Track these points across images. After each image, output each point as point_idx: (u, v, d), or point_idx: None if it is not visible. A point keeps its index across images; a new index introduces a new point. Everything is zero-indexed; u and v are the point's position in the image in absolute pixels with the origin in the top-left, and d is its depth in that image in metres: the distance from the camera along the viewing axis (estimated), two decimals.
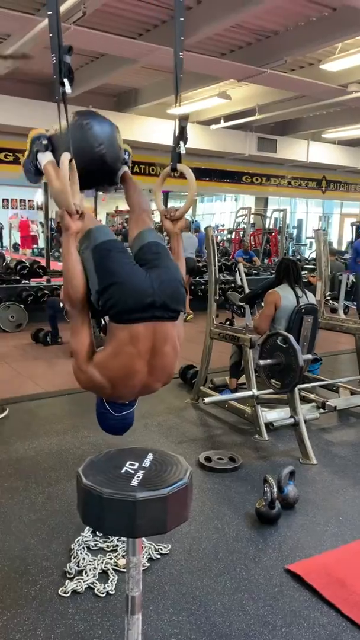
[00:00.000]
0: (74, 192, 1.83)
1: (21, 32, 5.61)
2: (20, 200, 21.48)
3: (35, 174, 2.25)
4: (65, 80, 1.81)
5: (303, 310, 4.01)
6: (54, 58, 1.80)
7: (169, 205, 12.36)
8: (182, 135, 2.14)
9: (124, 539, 2.44)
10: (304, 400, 4.27)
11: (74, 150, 1.86)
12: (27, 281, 8.24)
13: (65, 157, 1.81)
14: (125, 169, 2.35)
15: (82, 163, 1.94)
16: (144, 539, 2.57)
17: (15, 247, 17.67)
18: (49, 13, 1.82)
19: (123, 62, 7.06)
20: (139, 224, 2.14)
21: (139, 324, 1.73)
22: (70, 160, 1.85)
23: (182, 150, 2.15)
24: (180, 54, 2.10)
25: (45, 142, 2.14)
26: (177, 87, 2.13)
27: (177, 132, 2.14)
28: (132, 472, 1.35)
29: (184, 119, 2.16)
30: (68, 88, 1.82)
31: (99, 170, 2.17)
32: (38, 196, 19.89)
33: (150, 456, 1.42)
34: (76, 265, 1.81)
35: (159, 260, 1.88)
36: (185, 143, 2.16)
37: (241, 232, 13.96)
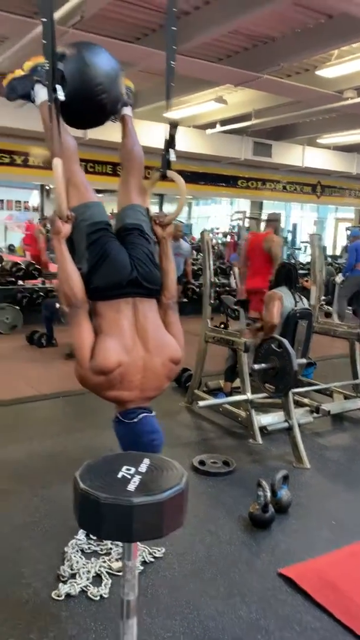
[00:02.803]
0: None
1: (18, 35, 5.61)
2: (16, 201, 21.46)
3: (19, 95, 2.15)
4: (58, 87, 1.87)
5: (298, 315, 4.03)
6: (47, 65, 1.84)
7: (164, 207, 12.33)
8: (171, 143, 2.17)
9: (118, 542, 2.45)
10: (298, 404, 4.29)
11: (70, 91, 1.91)
12: (22, 283, 8.23)
13: (58, 162, 1.85)
14: (126, 111, 2.25)
15: (77, 107, 1.98)
16: (138, 542, 2.57)
17: (11, 249, 17.63)
18: (43, 20, 1.84)
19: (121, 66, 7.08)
20: (125, 194, 2.16)
21: (120, 299, 1.91)
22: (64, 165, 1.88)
23: (172, 157, 2.19)
24: (172, 63, 2.13)
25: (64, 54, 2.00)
26: (168, 93, 2.16)
27: (167, 139, 2.17)
28: (129, 476, 1.36)
29: (173, 127, 2.17)
30: (61, 95, 1.88)
31: (96, 117, 2.12)
32: (33, 198, 19.86)
33: (146, 461, 1.43)
34: (70, 266, 1.88)
35: (136, 241, 2.01)
36: (174, 150, 2.19)
37: (236, 236, 13.99)
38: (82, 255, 1.94)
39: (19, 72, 2.10)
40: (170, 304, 2.11)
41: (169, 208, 15.65)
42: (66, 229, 1.90)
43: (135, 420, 1.94)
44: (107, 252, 1.92)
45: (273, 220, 6.20)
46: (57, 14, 4.69)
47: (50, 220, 1.90)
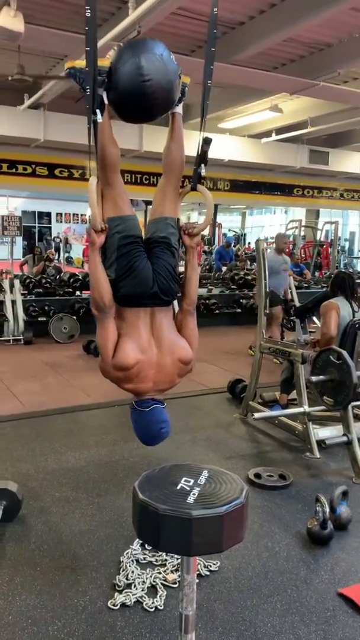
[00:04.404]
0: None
1: (77, 53, 5.79)
2: (73, 214, 22.09)
3: (76, 82, 2.14)
4: (98, 111, 1.95)
5: (357, 325, 3.92)
6: (88, 90, 1.93)
7: (218, 217, 12.29)
8: (204, 158, 2.23)
9: (174, 554, 2.44)
10: (358, 418, 4.15)
11: (122, 98, 1.98)
12: (79, 293, 8.42)
13: (94, 180, 1.96)
14: (177, 109, 2.22)
15: (126, 110, 2.05)
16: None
17: (68, 260, 18.12)
18: (87, 49, 1.89)
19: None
20: (161, 202, 2.22)
21: (140, 308, 2.09)
22: (98, 182, 2.00)
23: (203, 172, 2.25)
24: (209, 82, 2.16)
25: (106, 80, 2.00)
26: (203, 112, 2.18)
27: (199, 154, 2.20)
28: (188, 488, 1.34)
29: (207, 143, 2.20)
30: (99, 117, 1.97)
31: (143, 120, 2.17)
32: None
33: (205, 473, 1.42)
34: (101, 276, 2.03)
35: (160, 255, 2.13)
36: (205, 165, 2.25)
37: (291, 245, 13.83)
38: (111, 264, 2.07)
39: (79, 63, 2.09)
40: (189, 309, 2.24)
41: (222, 218, 15.64)
42: (100, 239, 2.02)
43: (147, 410, 2.11)
44: (134, 267, 2.05)
45: None
46: (115, 30, 4.82)
47: (87, 232, 2.01)
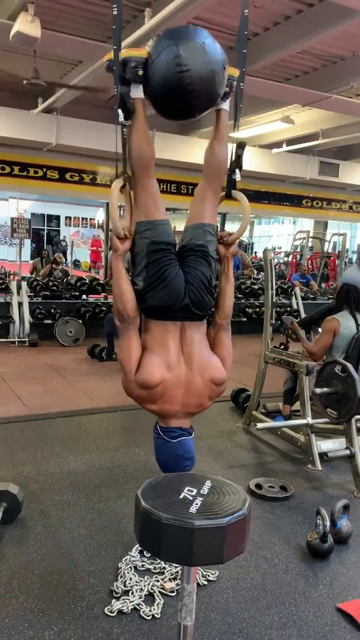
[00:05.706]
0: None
1: (92, 59, 5.83)
2: (82, 218, 22.20)
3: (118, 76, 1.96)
4: (119, 111, 1.91)
5: None
6: (115, 89, 1.90)
7: (226, 227, 12.32)
8: (238, 163, 2.14)
9: (172, 562, 2.43)
10: None
11: (161, 92, 1.84)
12: (86, 297, 8.45)
13: (117, 183, 1.88)
14: (223, 105, 2.03)
15: (166, 106, 1.91)
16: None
17: (76, 264, 18.17)
18: (114, 48, 1.88)
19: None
20: (199, 208, 2.07)
21: (168, 321, 1.91)
22: (123, 186, 1.93)
23: (238, 177, 2.15)
24: (242, 85, 2.10)
25: (141, 72, 1.84)
26: (236, 115, 2.13)
27: (233, 159, 2.14)
28: (191, 498, 1.34)
29: (241, 147, 2.13)
30: (121, 117, 1.92)
31: (184, 117, 2.02)
32: (99, 215, 20.45)
33: (208, 483, 1.41)
34: (125, 283, 1.90)
35: (195, 265, 1.97)
36: (240, 170, 2.15)
37: (298, 255, 13.81)
38: (140, 272, 1.93)
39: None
40: (223, 324, 2.08)
41: (231, 227, 15.64)
42: (124, 246, 1.91)
43: (174, 441, 1.96)
44: (164, 276, 1.89)
45: None
46: (131, 38, 4.85)
47: (111, 239, 1.93)
